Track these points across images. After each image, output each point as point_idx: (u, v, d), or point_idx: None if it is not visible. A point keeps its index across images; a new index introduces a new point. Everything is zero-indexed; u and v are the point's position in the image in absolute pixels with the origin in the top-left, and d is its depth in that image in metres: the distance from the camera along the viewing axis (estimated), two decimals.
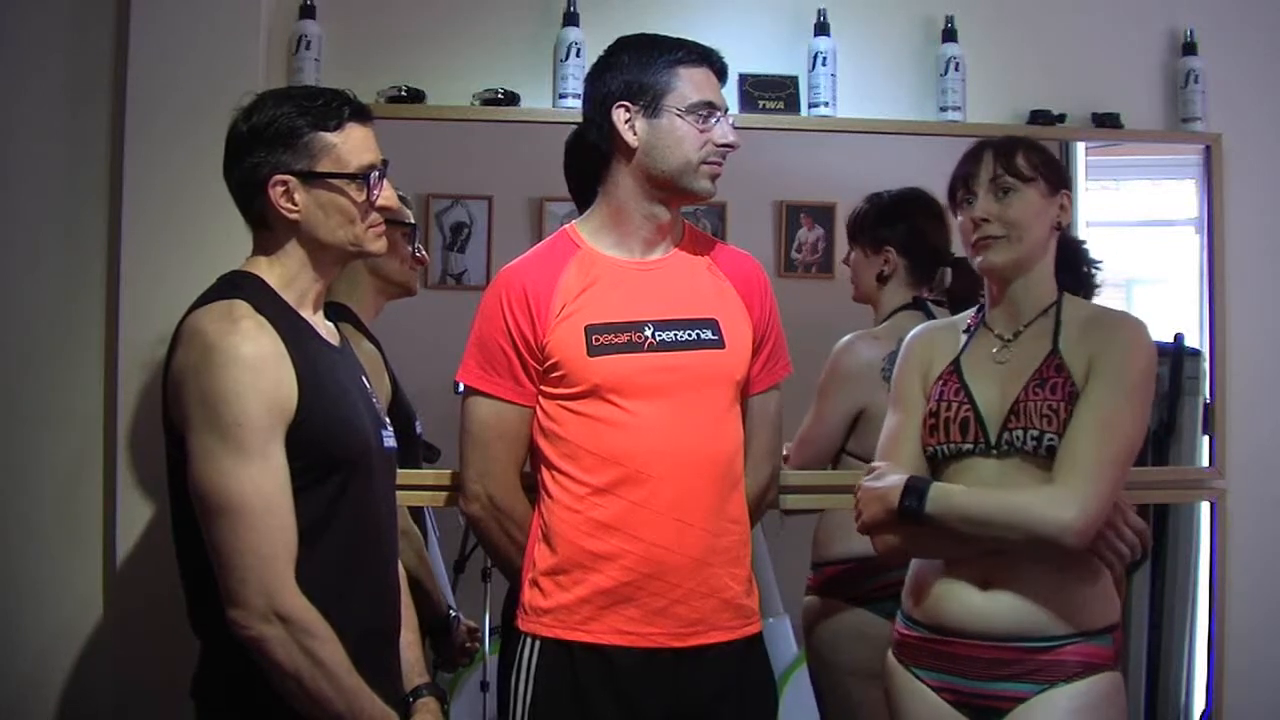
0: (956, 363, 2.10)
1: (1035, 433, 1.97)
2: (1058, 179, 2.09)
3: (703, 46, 2.14)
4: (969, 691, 1.98)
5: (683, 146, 2.08)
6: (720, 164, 2.12)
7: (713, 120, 2.09)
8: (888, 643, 2.14)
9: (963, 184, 2.09)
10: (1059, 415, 1.95)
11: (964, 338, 2.13)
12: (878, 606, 2.55)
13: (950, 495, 1.97)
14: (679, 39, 2.14)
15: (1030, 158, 2.07)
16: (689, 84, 2.09)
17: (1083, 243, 2.67)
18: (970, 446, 2.02)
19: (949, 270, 2.78)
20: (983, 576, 1.99)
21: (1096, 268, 2.65)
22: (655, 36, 2.14)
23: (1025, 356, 2.05)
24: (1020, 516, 1.91)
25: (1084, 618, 1.97)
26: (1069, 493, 1.89)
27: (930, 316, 2.68)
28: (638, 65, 2.10)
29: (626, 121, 2.10)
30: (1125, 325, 2.04)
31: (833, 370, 2.69)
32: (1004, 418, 2.01)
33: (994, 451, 2.01)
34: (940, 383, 2.09)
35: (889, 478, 2.03)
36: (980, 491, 1.98)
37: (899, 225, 2.74)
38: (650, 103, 2.09)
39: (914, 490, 1.98)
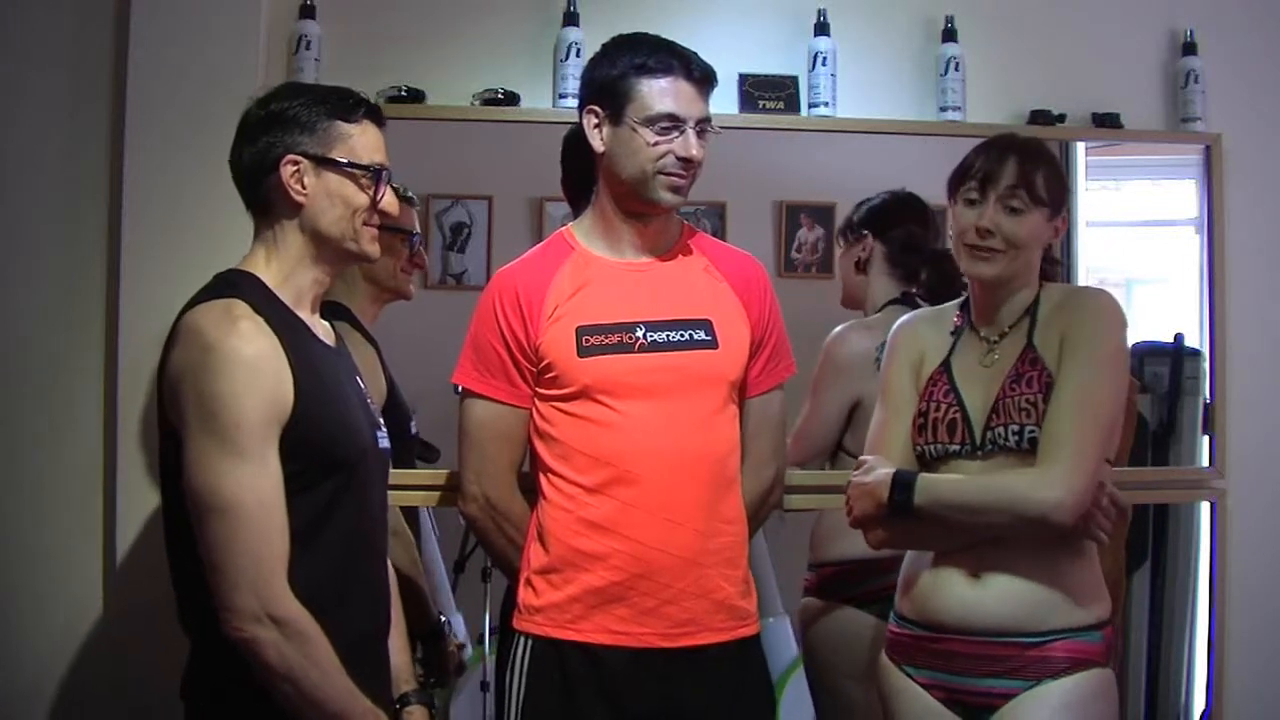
0: (947, 364, 2.09)
1: (1015, 427, 1.97)
2: (1062, 204, 2.06)
3: (677, 53, 2.08)
4: (959, 689, 1.98)
5: (637, 158, 2.05)
6: (682, 176, 2.07)
7: (674, 133, 2.05)
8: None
9: (977, 182, 2.03)
10: (1037, 408, 1.96)
11: (952, 338, 2.12)
12: (875, 608, 2.54)
13: (937, 485, 1.98)
14: (656, 43, 2.09)
15: (1049, 179, 2.03)
16: (650, 94, 2.05)
17: None
18: (956, 447, 2.02)
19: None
20: (973, 569, 1.98)
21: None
22: (634, 38, 2.11)
23: (1007, 357, 2.04)
24: (1007, 499, 1.92)
25: (1073, 613, 1.96)
26: (1055, 472, 1.90)
27: None
28: (606, 69, 2.09)
29: (595, 126, 2.09)
30: (1092, 299, 2.04)
31: (826, 362, 2.68)
32: (986, 417, 2.01)
33: (979, 452, 2.00)
34: (931, 382, 2.08)
35: (877, 472, 2.02)
36: (966, 479, 1.98)
37: (875, 213, 2.77)
38: (614, 111, 2.07)
39: (902, 483, 1.98)
